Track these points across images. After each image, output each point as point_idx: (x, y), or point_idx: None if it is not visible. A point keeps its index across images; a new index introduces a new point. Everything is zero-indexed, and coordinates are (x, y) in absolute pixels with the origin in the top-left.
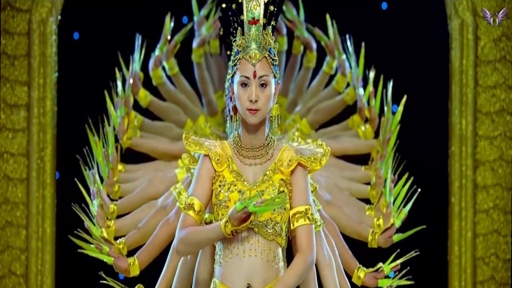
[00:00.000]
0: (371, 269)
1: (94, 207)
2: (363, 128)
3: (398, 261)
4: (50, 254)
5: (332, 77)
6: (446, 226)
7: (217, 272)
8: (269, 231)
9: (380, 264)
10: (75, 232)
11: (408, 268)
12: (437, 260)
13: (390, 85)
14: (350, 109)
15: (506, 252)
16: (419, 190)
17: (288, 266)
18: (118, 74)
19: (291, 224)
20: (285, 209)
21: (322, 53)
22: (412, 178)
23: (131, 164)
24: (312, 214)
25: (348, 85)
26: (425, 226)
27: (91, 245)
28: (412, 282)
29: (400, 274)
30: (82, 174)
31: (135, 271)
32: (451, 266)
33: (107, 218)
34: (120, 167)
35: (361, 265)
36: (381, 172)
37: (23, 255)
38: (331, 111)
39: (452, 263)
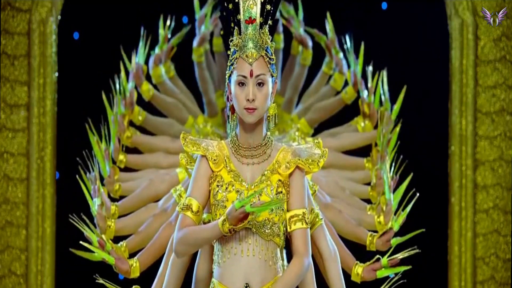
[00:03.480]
0: (368, 263)
1: (94, 206)
2: (362, 124)
3: (398, 255)
4: (50, 254)
5: (330, 76)
6: (446, 226)
7: (215, 272)
8: (266, 231)
9: (378, 256)
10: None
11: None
12: (437, 260)
13: (385, 74)
14: (348, 108)
15: (506, 252)
16: (418, 194)
17: (287, 265)
18: (122, 66)
19: (288, 227)
20: (282, 209)
21: (319, 52)
22: (411, 175)
23: (132, 154)
24: (308, 218)
25: (346, 84)
26: (424, 230)
27: (93, 253)
28: (410, 267)
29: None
30: (82, 174)
31: (135, 273)
32: (451, 266)
33: (108, 218)
34: (121, 157)
35: (358, 262)
36: (381, 173)
37: (23, 255)
38: (330, 110)
39: (452, 263)
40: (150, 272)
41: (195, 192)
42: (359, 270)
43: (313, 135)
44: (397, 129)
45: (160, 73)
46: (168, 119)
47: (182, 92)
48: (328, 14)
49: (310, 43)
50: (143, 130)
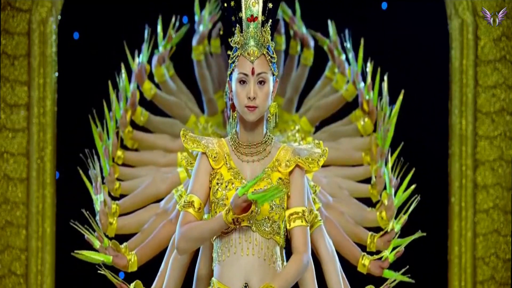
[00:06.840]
0: (375, 256)
1: (97, 203)
2: (362, 122)
3: (402, 244)
4: (50, 254)
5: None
6: (446, 226)
7: (215, 271)
8: (266, 229)
9: (385, 253)
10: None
11: (408, 266)
12: (437, 260)
13: (386, 77)
14: (349, 106)
15: (506, 252)
16: (419, 198)
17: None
18: (123, 65)
19: (288, 224)
20: (283, 207)
21: (320, 53)
22: (414, 186)
23: (130, 151)
24: (308, 216)
25: (347, 83)
26: (425, 234)
27: (92, 251)
28: (413, 281)
29: (402, 270)
30: (83, 172)
31: (133, 267)
32: (451, 266)
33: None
34: (119, 153)
35: (365, 253)
36: (381, 171)
37: (23, 255)
38: (331, 107)
39: (452, 263)
40: (150, 268)
41: (196, 189)
42: (365, 262)
43: (314, 133)
44: (394, 119)
45: (163, 72)
46: (170, 119)
47: (182, 91)
48: (330, 22)
49: (312, 43)
50: (145, 130)
